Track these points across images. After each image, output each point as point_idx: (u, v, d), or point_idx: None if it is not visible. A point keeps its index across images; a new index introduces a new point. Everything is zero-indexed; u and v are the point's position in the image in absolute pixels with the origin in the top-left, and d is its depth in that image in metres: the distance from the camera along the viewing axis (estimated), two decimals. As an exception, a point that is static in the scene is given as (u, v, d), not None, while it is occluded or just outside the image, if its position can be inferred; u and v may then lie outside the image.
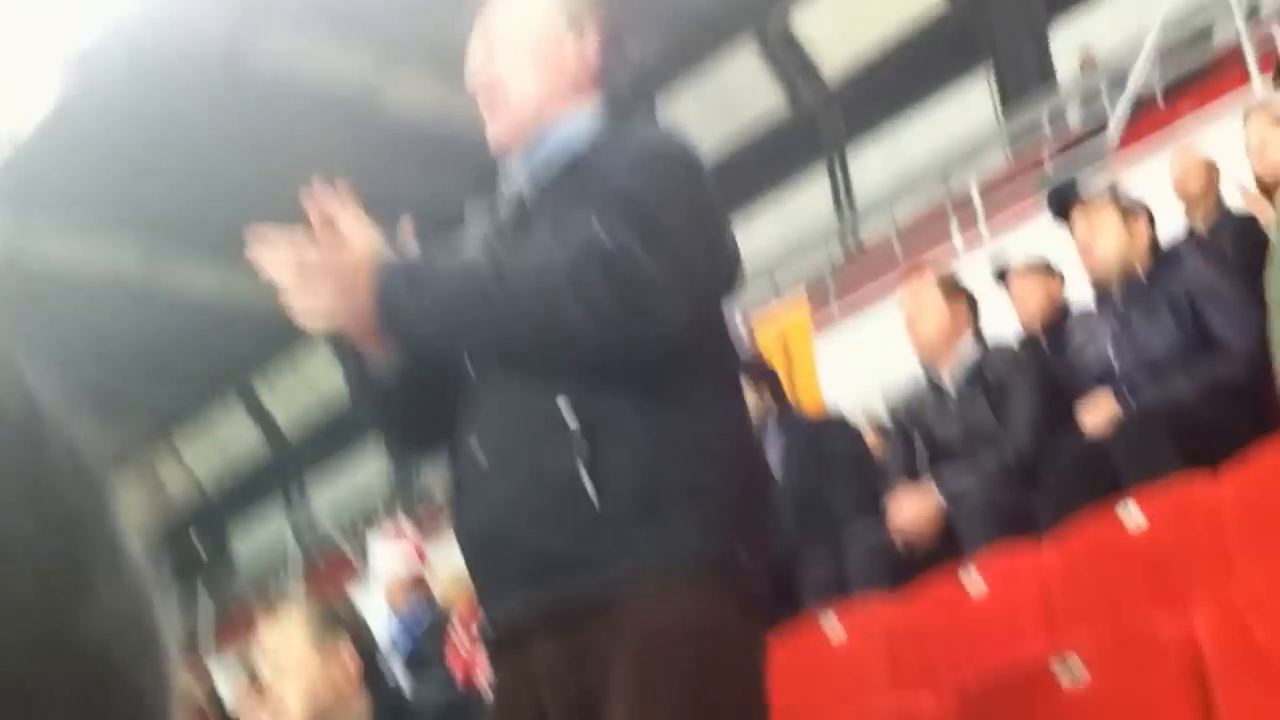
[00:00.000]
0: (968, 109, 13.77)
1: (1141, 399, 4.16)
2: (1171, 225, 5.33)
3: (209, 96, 13.63)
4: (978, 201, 9.66)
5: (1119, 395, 4.22)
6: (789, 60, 14.96)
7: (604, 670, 2.02)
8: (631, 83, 2.37)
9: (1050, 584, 3.76)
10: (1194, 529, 3.53)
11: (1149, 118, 8.97)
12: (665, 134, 2.31)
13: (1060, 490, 4.09)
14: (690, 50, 15.15)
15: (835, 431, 5.21)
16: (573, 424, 2.04)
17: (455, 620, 5.72)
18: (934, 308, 4.82)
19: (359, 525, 15.03)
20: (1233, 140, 5.51)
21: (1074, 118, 11.10)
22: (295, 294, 2.04)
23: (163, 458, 19.97)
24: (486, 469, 2.13)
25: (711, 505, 2.07)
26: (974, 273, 5.58)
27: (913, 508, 4.45)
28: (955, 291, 4.91)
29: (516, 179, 2.26)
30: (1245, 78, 8.00)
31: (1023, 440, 4.47)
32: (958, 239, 8.98)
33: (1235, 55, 8.56)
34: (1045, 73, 13.38)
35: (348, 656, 3.12)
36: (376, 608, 5.86)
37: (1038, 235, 6.21)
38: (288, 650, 3.07)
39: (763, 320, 8.66)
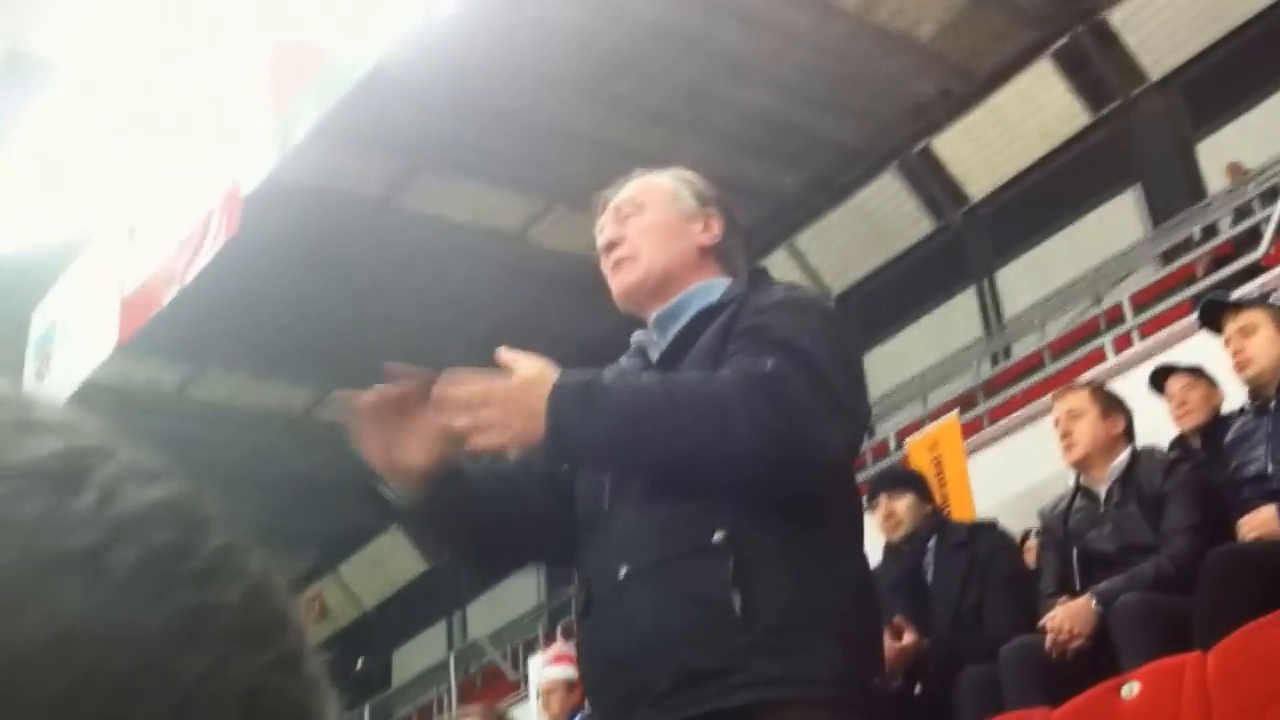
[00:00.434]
0: (1115, 225, 13.61)
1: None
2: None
3: (367, 238, 14.04)
4: (1129, 312, 9.53)
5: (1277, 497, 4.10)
6: (933, 184, 14.97)
7: None
8: (745, 259, 2.53)
9: (1210, 694, 3.63)
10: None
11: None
12: (803, 289, 2.50)
13: (1219, 601, 3.96)
14: (837, 180, 15.27)
15: (988, 537, 5.12)
16: (724, 549, 2.08)
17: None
18: (1090, 419, 4.76)
19: (517, 647, 15.12)
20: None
21: (1224, 230, 10.92)
22: (473, 421, 2.07)
23: (329, 586, 20.28)
24: (626, 587, 2.15)
25: (848, 633, 2.15)
26: (1126, 387, 5.49)
27: (1070, 620, 4.35)
28: (1111, 403, 4.84)
29: (650, 338, 2.40)
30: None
31: (1180, 549, 4.35)
32: (1110, 352, 8.83)
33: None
34: (1194, 186, 13.21)
35: None
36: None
37: (1190, 350, 6.10)
38: None
39: (915, 440, 8.60)
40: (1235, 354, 4.55)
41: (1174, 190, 13.32)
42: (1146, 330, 8.80)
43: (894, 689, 4.59)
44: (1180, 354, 6.28)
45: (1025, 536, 5.80)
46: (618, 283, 2.42)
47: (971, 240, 15.20)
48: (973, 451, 8.31)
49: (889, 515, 5.12)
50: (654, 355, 2.37)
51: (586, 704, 2.56)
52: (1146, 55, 13.58)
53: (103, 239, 11.03)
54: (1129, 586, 4.35)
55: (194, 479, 0.42)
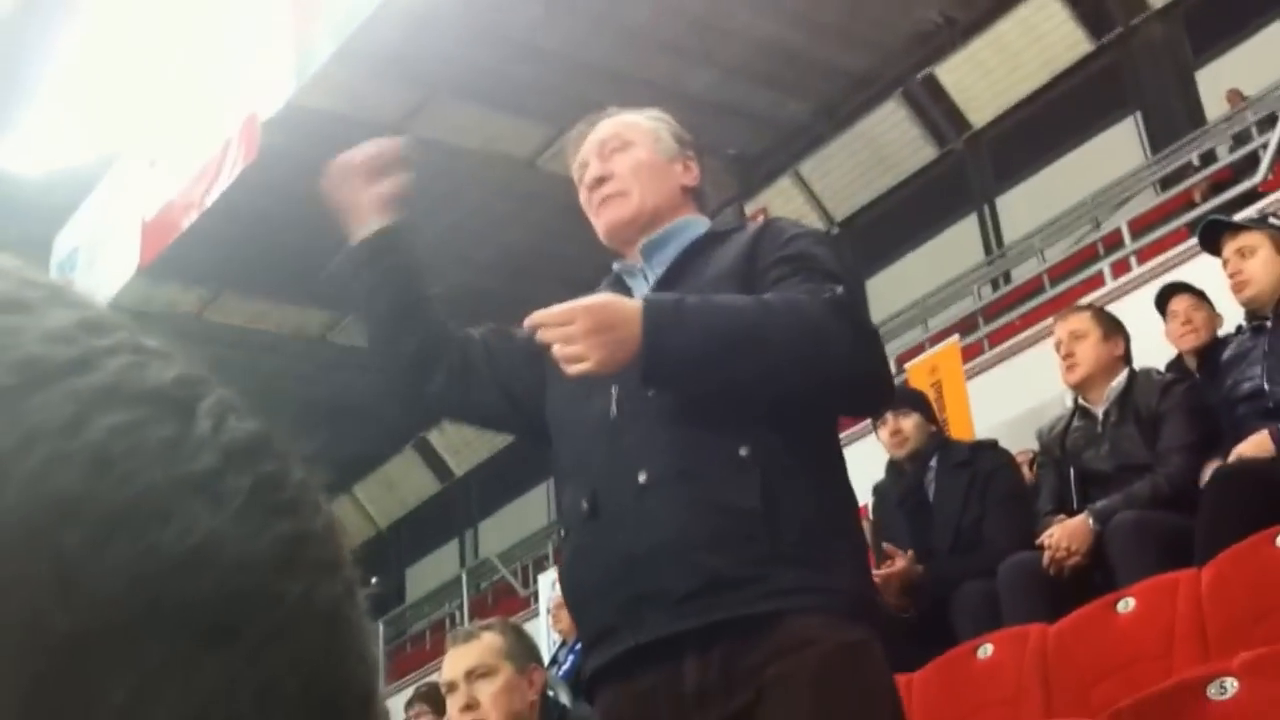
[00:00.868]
0: (1115, 152, 13.55)
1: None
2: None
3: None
4: (1127, 238, 9.51)
5: (1272, 415, 4.11)
6: (936, 111, 14.90)
7: (761, 692, 2.06)
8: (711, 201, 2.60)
9: (1203, 610, 3.66)
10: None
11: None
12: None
13: (1220, 518, 3.97)
14: (842, 108, 15.19)
15: (989, 455, 5.14)
16: (750, 463, 2.12)
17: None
18: (1093, 341, 4.76)
19: (527, 565, 15.24)
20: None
21: (1223, 156, 10.88)
22: (561, 336, 2.06)
23: (343, 505, 20.40)
24: (647, 492, 2.15)
25: (856, 550, 2.23)
26: (1123, 311, 5.50)
27: (1067, 537, 4.38)
28: (1112, 325, 4.85)
29: (636, 265, 2.42)
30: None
31: (1175, 468, 4.38)
32: (1109, 276, 8.82)
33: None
34: (1193, 112, 13.14)
35: (537, 673, 3.43)
36: (541, 635, 5.97)
37: (1187, 274, 6.10)
38: (488, 662, 3.34)
39: (915, 364, 8.60)
40: (1233, 275, 4.52)
41: (1173, 117, 13.25)
42: (1144, 256, 8.78)
43: (907, 618, 4.63)
44: (1177, 279, 6.27)
45: (1024, 458, 5.83)
46: (609, 217, 2.42)
47: (973, 167, 15.15)
48: (972, 375, 8.32)
49: (896, 432, 5.14)
50: (647, 280, 2.37)
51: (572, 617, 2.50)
52: (1149, -17, 13.48)
53: (124, 166, 11.02)
54: (1125, 505, 4.36)
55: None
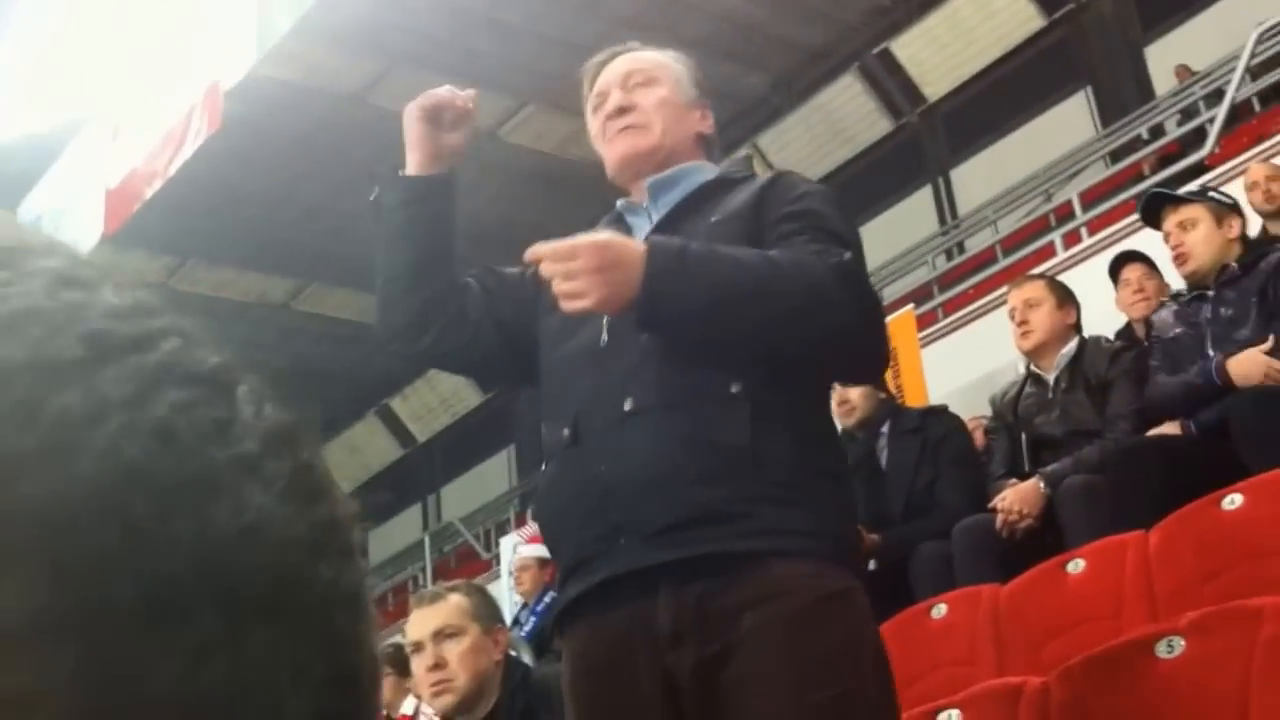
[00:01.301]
0: (1067, 125, 13.61)
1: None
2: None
3: (342, 133, 13.89)
4: (1078, 209, 9.55)
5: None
6: (892, 85, 14.91)
7: (735, 643, 2.00)
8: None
9: (1151, 570, 3.68)
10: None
11: (1247, 129, 8.80)
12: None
13: (1162, 481, 4.01)
14: (799, 81, 15.19)
15: (940, 421, 5.15)
16: (741, 400, 2.07)
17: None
18: (1047, 309, 4.78)
19: (489, 529, 15.26)
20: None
21: (1171, 130, 10.94)
22: (563, 271, 2.00)
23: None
24: (631, 420, 2.09)
25: (843, 493, 2.19)
26: (1073, 280, 5.53)
27: (1019, 500, 4.41)
28: (1065, 294, 4.87)
29: (641, 203, 2.36)
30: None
31: (1123, 433, 4.41)
32: (1060, 247, 8.87)
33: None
34: (1142, 87, 13.20)
35: (501, 633, 3.44)
36: (503, 597, 5.99)
37: (1136, 245, 6.14)
38: (455, 623, 3.34)
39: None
40: (1175, 248, 4.52)
41: (1123, 92, 13.32)
42: (1094, 227, 8.82)
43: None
44: (1126, 249, 6.31)
45: (976, 424, 5.85)
46: (627, 146, 2.34)
47: (928, 140, 15.19)
48: (927, 343, 8.34)
49: (843, 402, 5.13)
50: (651, 219, 2.32)
51: (549, 551, 2.44)
52: (1099, -41, 13.52)
53: (87, 134, 10.90)
54: (1075, 469, 4.40)
55: None
